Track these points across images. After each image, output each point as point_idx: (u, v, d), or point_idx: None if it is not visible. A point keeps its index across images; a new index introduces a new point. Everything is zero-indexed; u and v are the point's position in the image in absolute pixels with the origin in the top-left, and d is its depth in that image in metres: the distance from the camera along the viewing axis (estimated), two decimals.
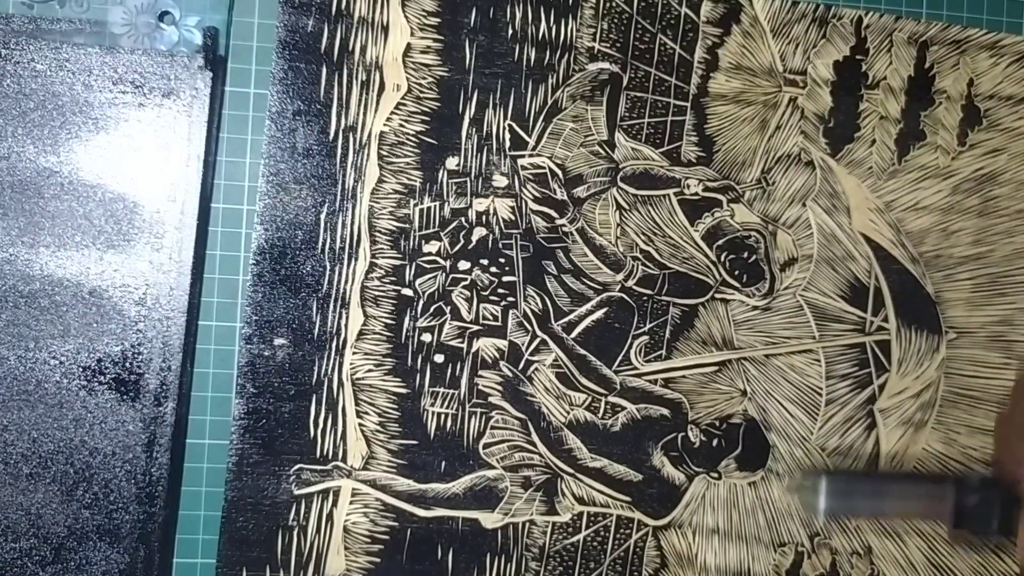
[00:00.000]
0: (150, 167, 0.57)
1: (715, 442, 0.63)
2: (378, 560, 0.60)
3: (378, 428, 0.59)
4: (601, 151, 0.62)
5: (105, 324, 0.56)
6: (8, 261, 0.55)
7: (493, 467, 0.61)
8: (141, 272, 0.57)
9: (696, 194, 0.63)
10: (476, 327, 0.61)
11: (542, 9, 0.61)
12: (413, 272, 0.60)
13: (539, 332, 0.61)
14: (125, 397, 0.56)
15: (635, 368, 0.62)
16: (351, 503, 0.59)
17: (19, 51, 0.55)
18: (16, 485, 0.56)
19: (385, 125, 0.59)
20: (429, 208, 0.60)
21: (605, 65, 0.62)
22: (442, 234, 0.60)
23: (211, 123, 0.58)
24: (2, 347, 0.55)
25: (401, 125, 0.60)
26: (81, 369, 0.56)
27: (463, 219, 0.60)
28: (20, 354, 0.56)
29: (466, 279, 0.60)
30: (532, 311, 0.61)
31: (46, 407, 0.56)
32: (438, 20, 0.60)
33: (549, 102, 0.61)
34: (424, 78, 0.60)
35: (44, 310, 0.56)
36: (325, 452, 0.59)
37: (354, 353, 0.59)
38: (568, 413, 0.61)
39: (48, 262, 0.56)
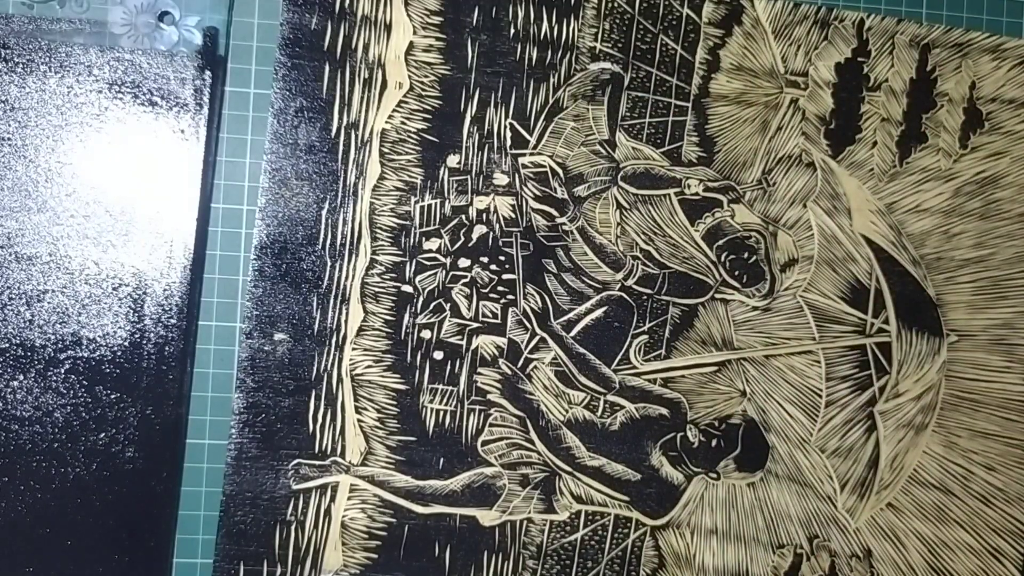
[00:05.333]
0: (150, 167, 0.57)
1: (714, 442, 0.62)
2: (375, 556, 0.60)
3: (377, 424, 0.60)
4: (602, 150, 0.62)
5: (104, 324, 0.56)
6: (7, 261, 0.56)
7: (491, 464, 0.61)
8: (140, 272, 0.57)
9: (697, 194, 0.63)
10: (476, 324, 0.61)
11: (544, 9, 0.61)
12: (413, 269, 0.60)
13: (538, 330, 0.61)
14: (125, 397, 0.57)
15: (634, 367, 0.62)
16: (349, 499, 0.59)
17: (19, 51, 0.56)
18: (16, 485, 0.56)
19: (387, 123, 0.60)
20: (430, 205, 0.60)
21: (607, 65, 0.62)
22: (442, 231, 0.60)
23: (211, 123, 0.58)
24: (2, 346, 0.56)
25: (403, 123, 0.60)
26: (81, 369, 0.56)
27: (464, 217, 0.61)
28: (20, 354, 0.56)
29: (466, 276, 0.60)
30: (532, 309, 0.61)
31: (46, 407, 0.56)
32: (440, 19, 0.60)
33: (550, 101, 0.61)
34: (426, 76, 0.60)
35: (43, 310, 0.56)
36: (324, 447, 0.59)
37: (353, 349, 0.59)
38: (567, 411, 0.61)
39: (48, 261, 0.56)
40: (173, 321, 0.57)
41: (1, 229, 0.56)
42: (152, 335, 0.57)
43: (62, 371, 0.56)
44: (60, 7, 0.57)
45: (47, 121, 0.56)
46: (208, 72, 0.58)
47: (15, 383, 0.56)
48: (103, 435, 0.56)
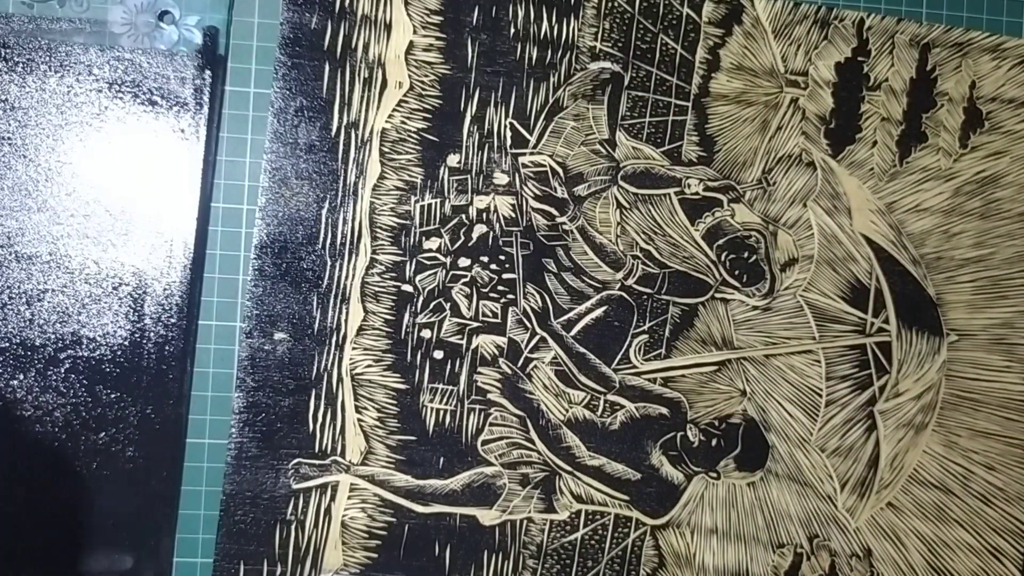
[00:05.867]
0: (150, 167, 0.57)
1: (714, 442, 0.62)
2: (375, 555, 0.60)
3: (377, 423, 0.60)
4: (602, 150, 0.62)
5: (105, 324, 0.56)
6: (7, 260, 0.56)
7: (491, 464, 0.61)
8: (140, 271, 0.57)
9: (697, 193, 0.63)
10: (476, 324, 0.61)
11: (544, 8, 0.61)
12: (413, 268, 0.60)
13: (539, 330, 0.61)
14: (125, 396, 0.57)
15: (634, 367, 0.62)
16: (349, 498, 0.59)
17: (19, 50, 0.56)
18: (16, 485, 0.56)
19: (387, 122, 0.60)
20: (430, 205, 0.60)
21: (607, 64, 0.62)
22: (443, 231, 0.60)
23: (211, 122, 0.58)
24: (2, 345, 0.56)
25: (403, 122, 0.60)
26: (81, 368, 0.56)
27: (464, 216, 0.61)
28: (20, 353, 0.56)
29: (466, 276, 0.61)
30: (532, 308, 0.61)
31: (46, 407, 0.56)
32: (441, 18, 0.60)
33: (550, 100, 0.61)
34: (426, 75, 0.60)
35: (43, 310, 0.56)
36: (324, 447, 0.59)
37: (353, 348, 0.59)
38: (567, 411, 0.61)
39: (48, 261, 0.56)
40: (173, 320, 0.57)
41: (1, 228, 0.56)
42: (152, 334, 0.57)
43: (62, 371, 0.56)
44: (60, 6, 0.57)
45: (47, 120, 0.56)
46: (208, 71, 0.58)
47: (15, 382, 0.56)
48: (103, 434, 0.56)
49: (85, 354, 0.56)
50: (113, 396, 0.56)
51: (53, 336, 0.56)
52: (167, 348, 0.57)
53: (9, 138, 0.56)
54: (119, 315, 0.57)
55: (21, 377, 0.56)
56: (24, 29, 0.56)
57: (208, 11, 0.59)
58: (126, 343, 0.57)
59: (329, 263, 0.59)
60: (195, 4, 0.59)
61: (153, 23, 0.58)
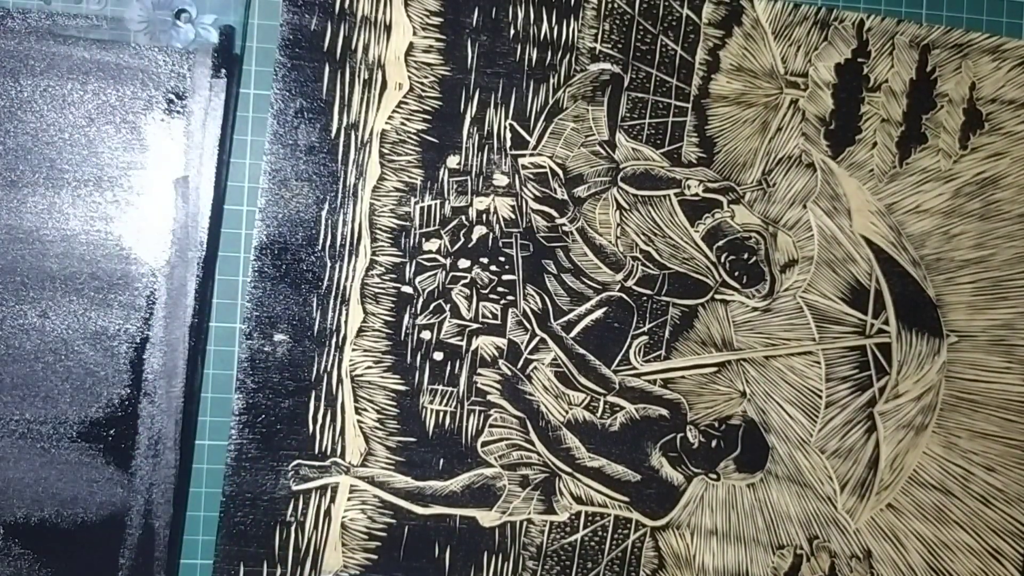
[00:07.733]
0: (164, 165, 0.57)
1: (714, 443, 0.62)
2: (375, 557, 0.60)
3: (377, 425, 0.60)
4: (602, 151, 0.62)
5: (116, 321, 0.56)
6: (21, 256, 0.56)
7: (491, 465, 0.61)
8: (153, 269, 0.57)
9: (696, 195, 0.63)
10: (475, 325, 0.61)
11: (544, 10, 0.61)
12: (413, 270, 0.60)
13: (538, 331, 0.61)
14: (134, 394, 0.57)
15: (634, 368, 0.62)
16: (349, 500, 0.59)
17: (36, 47, 0.56)
18: (19, 485, 0.56)
19: (387, 123, 0.60)
20: (430, 206, 0.60)
21: (606, 66, 0.62)
22: (442, 232, 0.60)
23: (225, 122, 0.58)
24: (12, 340, 0.56)
25: (403, 123, 0.60)
26: (91, 366, 0.56)
27: (463, 217, 0.61)
28: (29, 349, 0.56)
29: (466, 277, 0.61)
30: (531, 310, 0.61)
31: (55, 402, 0.56)
32: (440, 19, 0.60)
33: (550, 102, 0.61)
34: (426, 77, 0.60)
35: (53, 306, 0.56)
36: (323, 448, 0.59)
37: (353, 350, 0.59)
38: (567, 412, 0.61)
39: (61, 256, 0.56)
40: (181, 320, 0.57)
41: (18, 224, 0.56)
42: (162, 333, 0.57)
43: (71, 368, 0.56)
44: (77, 2, 0.57)
45: (62, 118, 0.56)
46: (224, 71, 0.58)
47: (23, 377, 0.56)
48: (108, 433, 0.56)
49: (94, 352, 0.56)
50: (122, 393, 0.56)
51: (64, 333, 0.56)
52: (174, 347, 0.57)
53: (24, 135, 0.56)
54: (130, 313, 0.57)
55: (29, 371, 0.56)
56: (41, 25, 0.56)
57: (222, 11, 0.59)
58: (137, 341, 0.56)
59: (329, 264, 0.59)
60: (211, 3, 0.59)
61: (170, 21, 0.58)
